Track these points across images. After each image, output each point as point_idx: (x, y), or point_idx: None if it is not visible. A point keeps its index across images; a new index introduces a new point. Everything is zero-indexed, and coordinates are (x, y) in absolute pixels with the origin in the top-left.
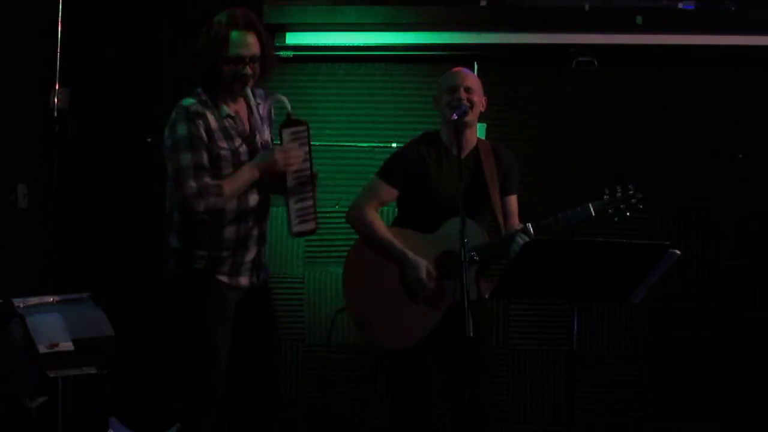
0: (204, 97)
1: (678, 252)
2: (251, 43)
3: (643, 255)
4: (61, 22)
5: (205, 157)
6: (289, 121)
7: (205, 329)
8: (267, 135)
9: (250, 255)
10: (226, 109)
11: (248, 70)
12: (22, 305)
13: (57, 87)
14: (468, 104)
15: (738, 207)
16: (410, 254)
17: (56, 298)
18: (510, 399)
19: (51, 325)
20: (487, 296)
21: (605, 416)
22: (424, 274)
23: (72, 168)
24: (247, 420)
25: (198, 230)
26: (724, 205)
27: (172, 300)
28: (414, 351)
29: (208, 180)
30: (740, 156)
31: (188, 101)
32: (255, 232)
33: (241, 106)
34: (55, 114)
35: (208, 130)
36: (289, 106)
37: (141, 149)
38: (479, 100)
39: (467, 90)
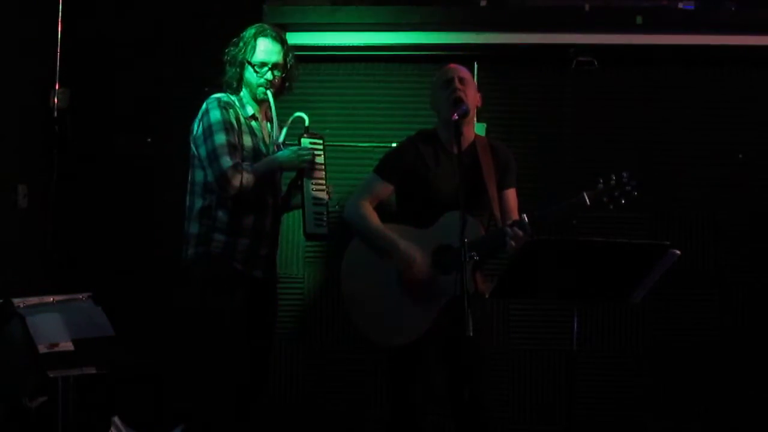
0: (233, 98)
1: (678, 252)
2: (275, 52)
3: (643, 255)
4: (61, 22)
5: (237, 140)
6: (308, 133)
7: (220, 310)
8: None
9: (264, 249)
10: (251, 110)
11: (270, 75)
12: (22, 305)
13: (57, 87)
14: (464, 96)
15: (738, 207)
16: (402, 244)
17: (56, 298)
18: (510, 399)
19: (51, 325)
20: (487, 296)
21: (605, 416)
22: (414, 266)
23: (72, 168)
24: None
25: (217, 216)
26: (724, 205)
27: (185, 284)
28: (414, 349)
29: (240, 160)
30: (740, 156)
31: (219, 94)
32: (270, 229)
33: (263, 114)
34: (55, 114)
35: (237, 121)
36: (307, 121)
37: (141, 149)
38: (474, 94)
39: (461, 81)
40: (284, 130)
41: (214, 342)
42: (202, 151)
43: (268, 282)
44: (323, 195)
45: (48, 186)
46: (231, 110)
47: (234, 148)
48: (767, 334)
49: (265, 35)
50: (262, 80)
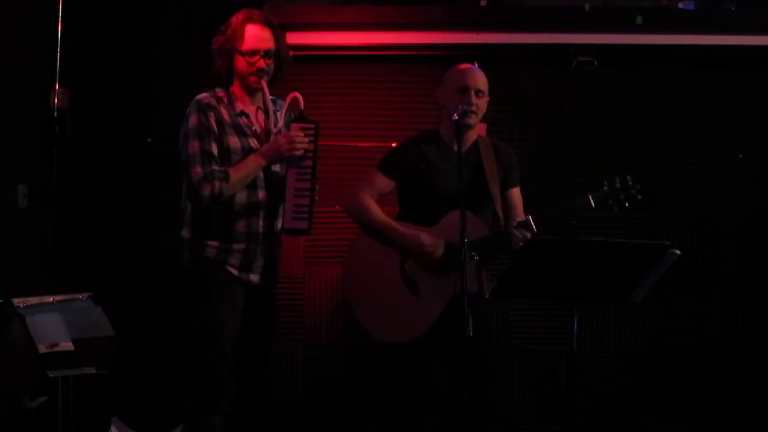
0: (219, 94)
1: (678, 252)
2: (266, 38)
3: (643, 255)
4: (61, 22)
5: (213, 146)
6: (300, 118)
7: (213, 319)
8: None
9: (262, 252)
10: (241, 105)
11: (262, 64)
12: (22, 305)
13: (57, 87)
14: (476, 108)
15: (738, 207)
16: (405, 230)
17: (56, 298)
18: (510, 399)
19: (51, 325)
20: (487, 296)
21: (605, 416)
22: (426, 240)
23: (72, 168)
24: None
25: (210, 221)
26: (724, 205)
27: (183, 292)
28: (414, 348)
29: (215, 167)
30: (740, 156)
31: (202, 95)
32: (266, 229)
33: (253, 108)
34: (55, 114)
35: (220, 122)
36: (301, 104)
37: (141, 149)
38: (486, 101)
39: (478, 93)
40: (284, 115)
41: (209, 349)
42: (182, 158)
43: (266, 285)
44: (307, 185)
45: (48, 186)
46: (211, 112)
47: (208, 156)
48: (767, 334)
49: (254, 21)
50: (253, 69)
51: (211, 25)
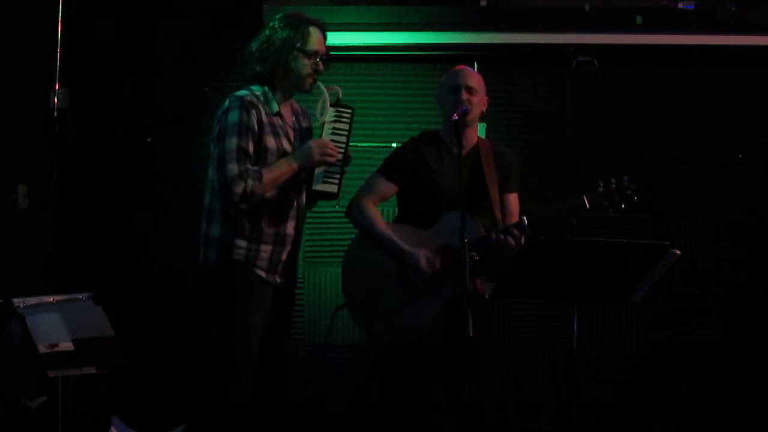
0: (258, 93)
1: (678, 252)
2: (324, 42)
3: (644, 255)
4: (61, 22)
5: (251, 145)
6: (338, 103)
7: (242, 324)
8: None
9: (286, 253)
10: (276, 107)
11: (321, 66)
12: (22, 305)
13: (57, 87)
14: (469, 105)
15: (738, 207)
16: (406, 248)
17: (56, 298)
18: (510, 399)
19: (51, 325)
20: (487, 296)
21: (605, 416)
22: (423, 263)
23: (72, 168)
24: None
25: (241, 219)
26: (724, 205)
27: (206, 292)
28: (413, 349)
29: (249, 166)
30: (740, 156)
31: (242, 92)
32: (292, 230)
33: (286, 109)
34: (55, 114)
35: (260, 122)
36: (340, 94)
37: (141, 149)
38: (481, 99)
39: (469, 90)
40: (323, 107)
41: (236, 353)
42: (215, 153)
43: (288, 286)
44: (339, 156)
45: (48, 186)
46: (254, 111)
47: (244, 153)
48: (767, 334)
49: (314, 24)
50: (312, 71)
51: (210, 25)
